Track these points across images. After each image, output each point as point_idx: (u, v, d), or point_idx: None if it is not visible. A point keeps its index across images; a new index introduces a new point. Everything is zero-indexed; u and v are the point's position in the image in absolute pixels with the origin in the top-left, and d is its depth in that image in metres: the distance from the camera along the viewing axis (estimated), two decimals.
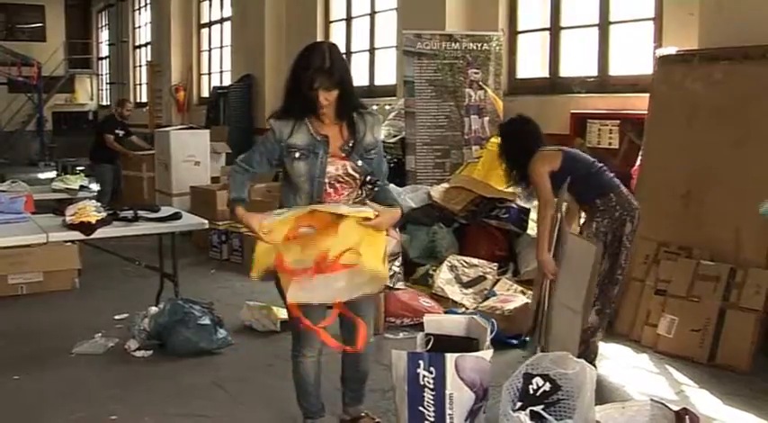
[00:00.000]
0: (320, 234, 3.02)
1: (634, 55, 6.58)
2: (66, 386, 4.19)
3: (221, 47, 14.08)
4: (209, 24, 14.73)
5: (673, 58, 5.45)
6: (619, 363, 4.58)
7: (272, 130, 3.14)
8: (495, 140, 6.57)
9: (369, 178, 3.23)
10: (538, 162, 4.24)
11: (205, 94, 14.67)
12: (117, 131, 9.76)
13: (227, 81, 13.21)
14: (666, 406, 3.22)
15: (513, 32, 7.62)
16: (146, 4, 18.21)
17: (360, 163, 3.18)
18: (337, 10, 10.62)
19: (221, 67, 14.07)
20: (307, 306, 3.11)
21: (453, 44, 7.10)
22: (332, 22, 10.69)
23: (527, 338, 4.59)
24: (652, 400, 3.32)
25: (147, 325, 4.69)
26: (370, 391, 3.79)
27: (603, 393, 3.94)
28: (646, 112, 5.56)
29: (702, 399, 4.01)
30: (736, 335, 4.47)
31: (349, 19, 10.35)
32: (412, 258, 6.19)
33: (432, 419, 3.12)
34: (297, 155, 3.11)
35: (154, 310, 4.81)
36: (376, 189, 3.27)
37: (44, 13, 23.33)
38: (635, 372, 4.44)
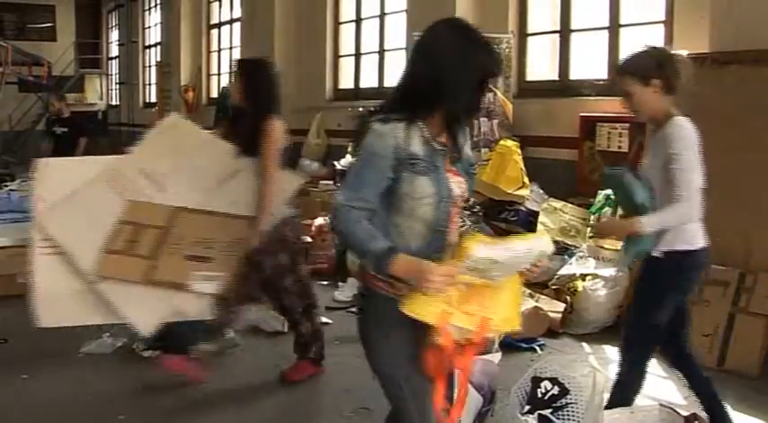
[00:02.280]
0: (479, 289, 2.21)
1: None
2: (74, 386, 4.20)
3: (231, 48, 14.11)
4: (219, 25, 14.76)
5: None
6: None
7: (384, 137, 2.21)
8: (504, 143, 6.60)
9: (472, 201, 2.55)
10: (280, 124, 3.88)
11: (214, 94, 14.70)
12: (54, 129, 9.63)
13: None
14: (675, 411, 3.22)
15: (522, 35, 7.60)
16: (156, 5, 18.28)
17: (467, 181, 2.40)
18: (347, 11, 10.62)
19: (230, 68, 14.08)
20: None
21: None
22: (341, 23, 10.69)
23: None
24: (661, 404, 3.32)
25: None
26: (378, 392, 3.79)
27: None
28: None
29: None
30: (745, 340, 4.45)
31: (358, 20, 10.35)
32: None
33: None
34: (421, 167, 2.23)
35: None
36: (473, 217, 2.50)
37: (55, 13, 23.43)
38: None
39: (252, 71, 4.11)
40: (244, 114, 4.09)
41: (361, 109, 8.48)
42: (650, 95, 3.12)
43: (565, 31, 7.21)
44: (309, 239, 7.03)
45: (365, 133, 2.22)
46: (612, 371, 4.39)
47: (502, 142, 6.59)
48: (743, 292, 4.56)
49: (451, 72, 2.20)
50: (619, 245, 5.43)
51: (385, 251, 2.11)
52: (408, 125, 2.23)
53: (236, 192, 3.80)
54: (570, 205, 6.14)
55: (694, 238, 3.12)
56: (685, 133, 3.09)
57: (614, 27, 6.68)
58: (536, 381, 3.08)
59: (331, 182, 8.82)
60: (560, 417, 2.98)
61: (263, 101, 3.93)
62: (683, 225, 3.06)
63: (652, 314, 3.05)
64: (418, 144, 2.23)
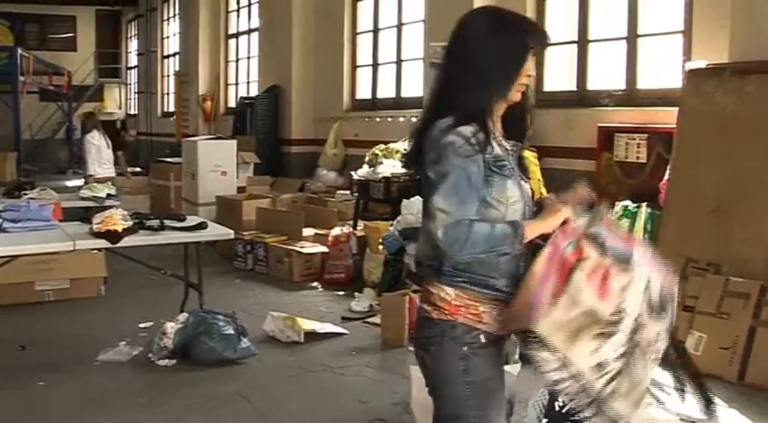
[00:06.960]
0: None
1: (663, 68, 6.52)
2: (91, 393, 4.20)
3: (248, 57, 14.19)
4: (237, 35, 14.84)
5: (703, 71, 5.39)
6: None
7: (472, 143, 2.02)
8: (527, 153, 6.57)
9: None
10: None
11: (232, 104, 14.78)
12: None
13: (253, 91, 13.30)
14: None
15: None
16: (174, 15, 18.42)
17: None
18: (364, 22, 10.65)
19: (248, 78, 14.17)
20: None
21: None
22: (359, 33, 10.72)
23: None
24: (681, 418, 3.27)
25: (170, 342, 4.66)
26: (393, 404, 3.77)
27: None
28: (674, 125, 5.50)
29: (733, 418, 3.92)
30: (766, 353, 4.39)
31: (376, 31, 10.37)
32: None
33: None
34: (507, 169, 2.12)
35: (170, 326, 4.74)
36: None
37: (75, 23, 23.75)
38: (662, 389, 4.36)
39: None
40: None
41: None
42: None
43: (583, 42, 7.19)
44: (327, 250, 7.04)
45: (439, 140, 2.03)
46: None
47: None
48: (764, 305, 4.50)
49: (495, 71, 2.18)
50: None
51: (515, 230, 2.01)
52: (484, 126, 2.07)
53: None
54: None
55: None
56: None
57: (632, 37, 6.65)
58: (554, 394, 3.05)
59: (348, 192, 8.81)
60: None
61: None
62: None
63: None
64: (497, 146, 2.10)
